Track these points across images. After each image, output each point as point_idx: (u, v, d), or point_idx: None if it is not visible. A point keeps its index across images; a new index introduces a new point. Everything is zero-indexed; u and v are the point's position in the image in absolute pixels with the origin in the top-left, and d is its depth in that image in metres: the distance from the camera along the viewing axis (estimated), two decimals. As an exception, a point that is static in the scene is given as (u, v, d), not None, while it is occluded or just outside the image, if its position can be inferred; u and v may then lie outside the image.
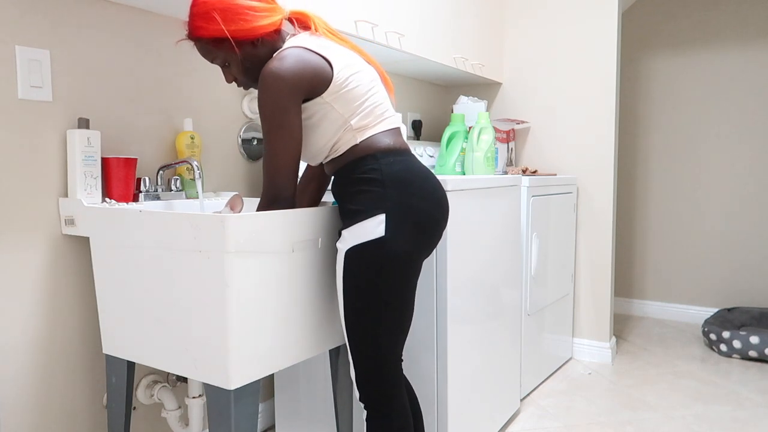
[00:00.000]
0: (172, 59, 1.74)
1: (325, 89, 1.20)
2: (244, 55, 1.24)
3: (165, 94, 1.72)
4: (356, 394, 1.28)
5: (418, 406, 1.43)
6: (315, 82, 1.18)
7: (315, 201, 1.51)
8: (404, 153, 1.27)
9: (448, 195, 1.30)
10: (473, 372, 1.86)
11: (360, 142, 1.24)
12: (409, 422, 1.28)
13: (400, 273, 1.20)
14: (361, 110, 1.24)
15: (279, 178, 1.18)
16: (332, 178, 1.32)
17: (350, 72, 1.23)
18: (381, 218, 1.18)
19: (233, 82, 1.34)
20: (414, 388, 1.72)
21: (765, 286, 3.37)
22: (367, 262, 1.19)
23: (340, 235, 1.25)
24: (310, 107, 1.22)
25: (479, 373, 1.90)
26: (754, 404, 2.34)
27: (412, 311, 1.28)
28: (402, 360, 1.31)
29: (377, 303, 1.20)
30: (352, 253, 1.20)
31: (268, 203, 1.20)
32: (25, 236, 1.40)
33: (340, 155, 1.26)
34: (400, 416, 1.26)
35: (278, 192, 1.19)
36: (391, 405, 1.25)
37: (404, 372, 1.46)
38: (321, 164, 1.43)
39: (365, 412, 1.28)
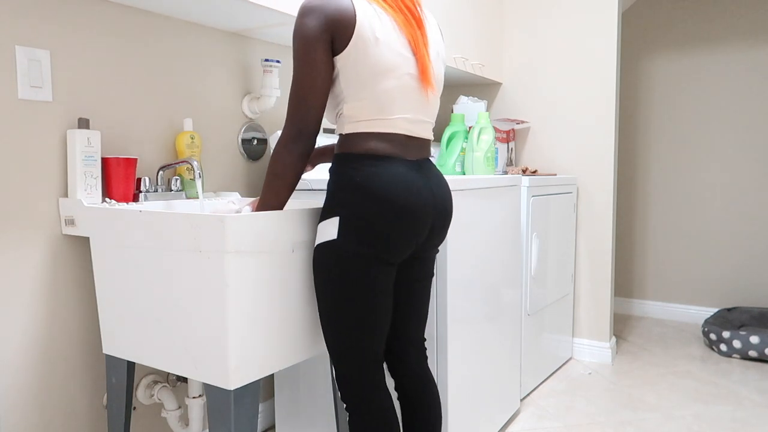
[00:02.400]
0: (173, 59, 1.74)
1: (343, 47, 1.15)
2: None
3: (165, 94, 1.72)
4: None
5: (438, 402, 1.40)
6: (338, 25, 1.14)
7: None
8: (391, 160, 1.19)
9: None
10: (473, 372, 1.86)
11: (346, 135, 1.21)
12: (389, 425, 1.25)
13: (357, 275, 1.18)
14: (360, 95, 1.18)
15: (301, 112, 1.16)
16: None
17: (372, 41, 1.16)
18: (335, 221, 1.18)
19: None
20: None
21: (765, 286, 3.37)
22: (325, 262, 1.20)
23: None
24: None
25: (479, 373, 1.90)
26: (754, 404, 2.34)
27: (386, 313, 1.24)
28: (383, 360, 1.28)
29: (339, 303, 1.20)
30: (315, 251, 1.22)
31: (288, 139, 1.17)
32: (26, 236, 1.40)
33: (338, 138, 1.25)
34: (376, 419, 1.24)
35: (300, 128, 1.16)
36: (368, 406, 1.24)
37: (417, 369, 1.42)
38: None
39: (347, 413, 1.28)
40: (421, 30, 1.25)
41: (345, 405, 1.27)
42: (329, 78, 1.17)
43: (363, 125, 1.20)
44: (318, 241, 1.21)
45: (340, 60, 1.16)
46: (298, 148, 1.17)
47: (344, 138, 1.22)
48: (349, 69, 1.17)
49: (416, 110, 1.23)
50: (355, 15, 1.15)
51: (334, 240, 1.18)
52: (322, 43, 1.14)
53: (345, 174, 1.20)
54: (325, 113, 1.24)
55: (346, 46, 1.15)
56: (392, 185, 1.17)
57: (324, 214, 1.21)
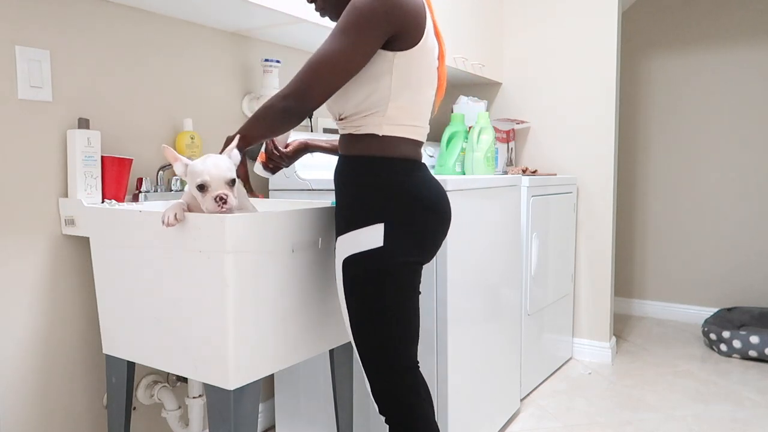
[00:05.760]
0: (172, 59, 1.74)
1: (408, 46, 1.10)
2: None
3: (165, 94, 1.72)
4: (375, 407, 1.21)
5: (430, 401, 1.37)
6: (409, 21, 1.08)
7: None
8: (419, 166, 1.21)
9: (449, 195, 1.28)
10: (473, 372, 1.86)
11: (382, 136, 1.15)
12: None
13: (400, 282, 1.16)
14: (405, 98, 1.14)
15: (310, 81, 1.07)
16: (339, 159, 1.23)
17: (430, 48, 1.15)
18: (380, 228, 1.12)
19: (312, 3, 1.25)
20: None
21: (765, 286, 3.37)
22: (366, 272, 1.14)
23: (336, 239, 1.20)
24: (374, 59, 1.11)
25: (479, 373, 1.90)
26: (754, 404, 2.34)
27: (418, 318, 1.23)
28: (418, 366, 1.25)
29: (380, 314, 1.16)
30: (350, 262, 1.16)
31: (282, 98, 1.09)
32: (26, 236, 1.40)
33: (358, 136, 1.17)
34: (423, 428, 1.20)
35: (300, 95, 1.08)
36: (413, 415, 1.19)
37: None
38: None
39: (387, 426, 1.21)
40: (441, 38, 1.24)
41: (385, 419, 1.20)
42: (362, 67, 1.09)
43: (401, 129, 1.17)
44: (355, 251, 1.14)
45: (401, 58, 1.10)
46: (291, 120, 1.11)
47: (379, 140, 1.16)
48: (406, 70, 1.12)
49: (428, 118, 1.25)
50: (426, 17, 1.12)
51: (380, 248, 1.12)
52: (381, 32, 1.06)
53: (387, 178, 1.15)
54: (336, 103, 1.19)
55: (412, 46, 1.10)
56: (433, 190, 1.20)
57: (360, 220, 1.14)
